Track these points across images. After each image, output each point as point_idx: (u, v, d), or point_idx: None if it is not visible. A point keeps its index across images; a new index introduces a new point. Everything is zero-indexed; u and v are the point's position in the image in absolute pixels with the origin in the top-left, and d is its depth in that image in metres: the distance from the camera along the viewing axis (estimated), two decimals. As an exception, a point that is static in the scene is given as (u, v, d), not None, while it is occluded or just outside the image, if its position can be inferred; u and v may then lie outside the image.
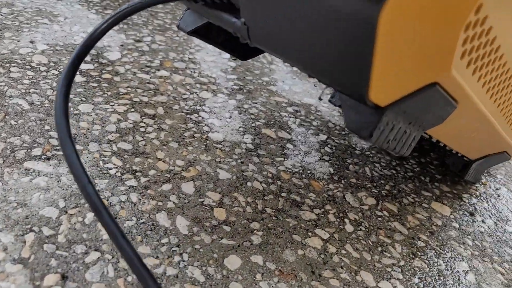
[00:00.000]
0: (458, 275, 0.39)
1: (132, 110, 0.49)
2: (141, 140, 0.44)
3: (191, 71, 0.61)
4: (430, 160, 0.56)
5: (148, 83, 0.55)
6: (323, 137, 0.54)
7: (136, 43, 0.64)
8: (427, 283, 0.37)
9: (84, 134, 0.42)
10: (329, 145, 0.53)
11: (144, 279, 0.24)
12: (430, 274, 0.38)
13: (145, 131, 0.46)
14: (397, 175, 0.51)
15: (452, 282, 0.38)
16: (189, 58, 0.64)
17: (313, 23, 0.23)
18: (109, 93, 0.50)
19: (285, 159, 0.48)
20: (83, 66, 0.54)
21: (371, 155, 0.53)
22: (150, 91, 0.53)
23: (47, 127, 0.42)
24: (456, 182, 0.53)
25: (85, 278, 0.29)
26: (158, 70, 0.58)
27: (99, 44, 0.60)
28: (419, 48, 0.22)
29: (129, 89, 0.52)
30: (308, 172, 0.47)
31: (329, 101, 0.52)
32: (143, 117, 0.48)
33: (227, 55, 0.68)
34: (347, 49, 0.23)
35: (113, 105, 0.48)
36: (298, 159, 0.49)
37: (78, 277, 0.29)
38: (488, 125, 0.36)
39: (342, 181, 0.47)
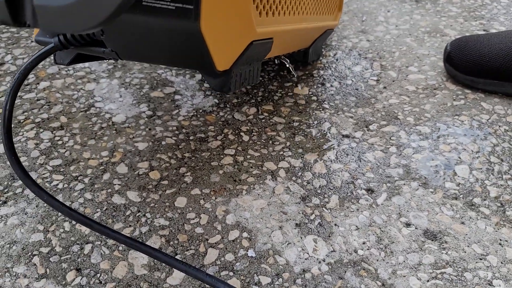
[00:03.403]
0: (325, 132, 0.56)
1: (41, 130, 0.56)
2: (65, 151, 0.53)
3: (66, 71, 0.67)
4: (283, 55, 0.71)
5: (38, 100, 0.61)
6: (199, 76, 0.66)
7: (1, 67, 0.68)
8: (307, 148, 0.53)
9: (19, 170, 0.51)
10: (206, 81, 0.65)
11: (127, 242, 0.37)
12: (307, 141, 0.54)
13: (62, 142, 0.55)
14: (264, 80, 0.65)
15: (322, 140, 0.55)
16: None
17: (164, 41, 0.34)
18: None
19: (180, 110, 0.60)
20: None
21: (239, 73, 0.67)
22: (45, 107, 0.60)
23: (-13, 180, 0.49)
24: (306, 64, 0.68)
25: (92, 263, 0.41)
26: (38, 83, 0.64)
27: (-29, 86, 0.63)
28: (232, 33, 0.34)
29: (26, 114, 0.59)
30: (200, 111, 0.60)
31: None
32: (54, 132, 0.56)
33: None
34: (193, 50, 0.34)
35: (23, 134, 0.56)
36: (188, 104, 0.61)
37: (87, 264, 0.41)
38: (305, 29, 0.51)
39: (227, 105, 0.60)
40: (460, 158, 0.52)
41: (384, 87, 0.63)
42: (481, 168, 0.51)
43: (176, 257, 0.42)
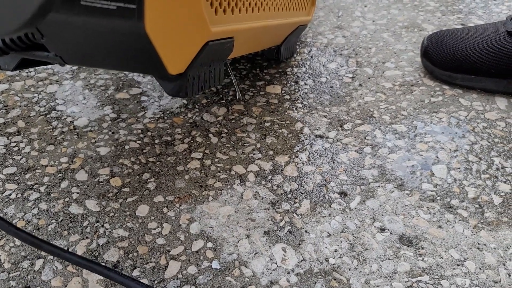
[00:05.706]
0: (297, 133, 0.53)
1: (-4, 136, 0.53)
2: (21, 158, 0.50)
3: (27, 72, 0.64)
4: (255, 52, 0.68)
5: (-6, 104, 0.58)
6: (167, 76, 0.63)
7: (-42, 69, 0.64)
8: (278, 150, 0.51)
9: (-31, 179, 0.47)
10: (161, 86, 0.62)
11: (80, 263, 0.34)
12: (278, 143, 0.52)
13: (19, 149, 0.51)
14: (235, 78, 0.63)
15: (295, 141, 0.52)
16: (16, 60, 0.66)
17: (109, 44, 0.31)
18: (-35, 132, 0.53)
19: (145, 111, 0.57)
20: None
21: (210, 72, 0.64)
22: (1, 111, 0.57)
23: None
24: (280, 62, 0.66)
25: (42, 280, 0.38)
26: (-4, 86, 0.61)
27: None
28: (183, 33, 0.31)
29: (-20, 119, 0.55)
30: (168, 112, 0.57)
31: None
32: (10, 137, 0.53)
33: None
34: (141, 53, 0.31)
35: (-24, 140, 0.52)
36: (155, 106, 0.58)
37: (37, 282, 0.38)
38: (273, 26, 0.48)
39: (196, 106, 0.58)
40: (437, 157, 0.50)
41: (360, 85, 0.61)
42: (459, 168, 0.48)
43: (134, 271, 0.39)
